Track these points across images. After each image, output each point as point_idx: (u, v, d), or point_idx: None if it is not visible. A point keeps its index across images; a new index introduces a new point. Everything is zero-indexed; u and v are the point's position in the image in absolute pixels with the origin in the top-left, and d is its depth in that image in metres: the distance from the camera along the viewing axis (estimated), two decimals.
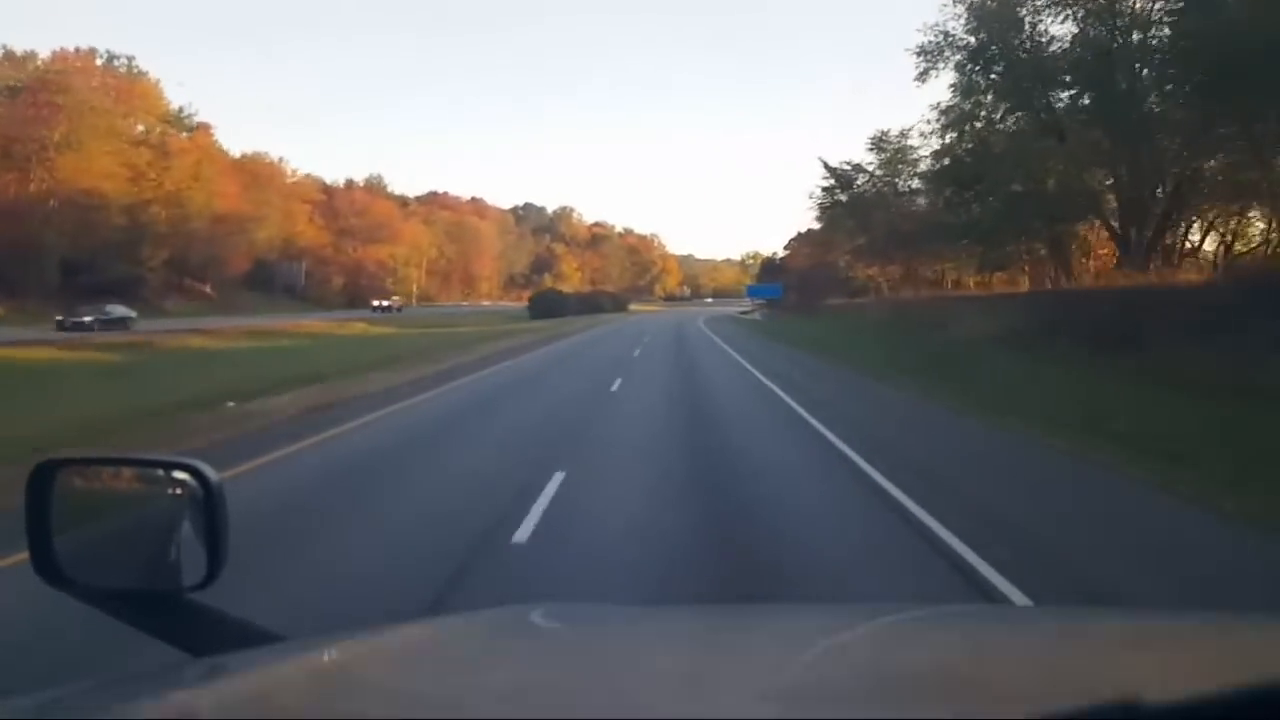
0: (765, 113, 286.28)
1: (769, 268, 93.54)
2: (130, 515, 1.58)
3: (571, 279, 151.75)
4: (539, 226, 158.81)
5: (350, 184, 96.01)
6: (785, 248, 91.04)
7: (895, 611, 1.78)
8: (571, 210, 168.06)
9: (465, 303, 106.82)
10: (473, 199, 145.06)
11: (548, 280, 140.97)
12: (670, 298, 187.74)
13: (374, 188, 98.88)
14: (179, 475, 1.46)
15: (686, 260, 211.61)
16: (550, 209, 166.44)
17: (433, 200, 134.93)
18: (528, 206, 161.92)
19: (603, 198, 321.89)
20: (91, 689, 1.20)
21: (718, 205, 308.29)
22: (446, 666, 1.28)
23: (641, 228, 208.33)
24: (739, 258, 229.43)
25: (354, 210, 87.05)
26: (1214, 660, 1.25)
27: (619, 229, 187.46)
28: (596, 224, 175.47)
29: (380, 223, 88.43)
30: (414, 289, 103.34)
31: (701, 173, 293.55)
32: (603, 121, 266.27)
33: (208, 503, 1.40)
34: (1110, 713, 0.76)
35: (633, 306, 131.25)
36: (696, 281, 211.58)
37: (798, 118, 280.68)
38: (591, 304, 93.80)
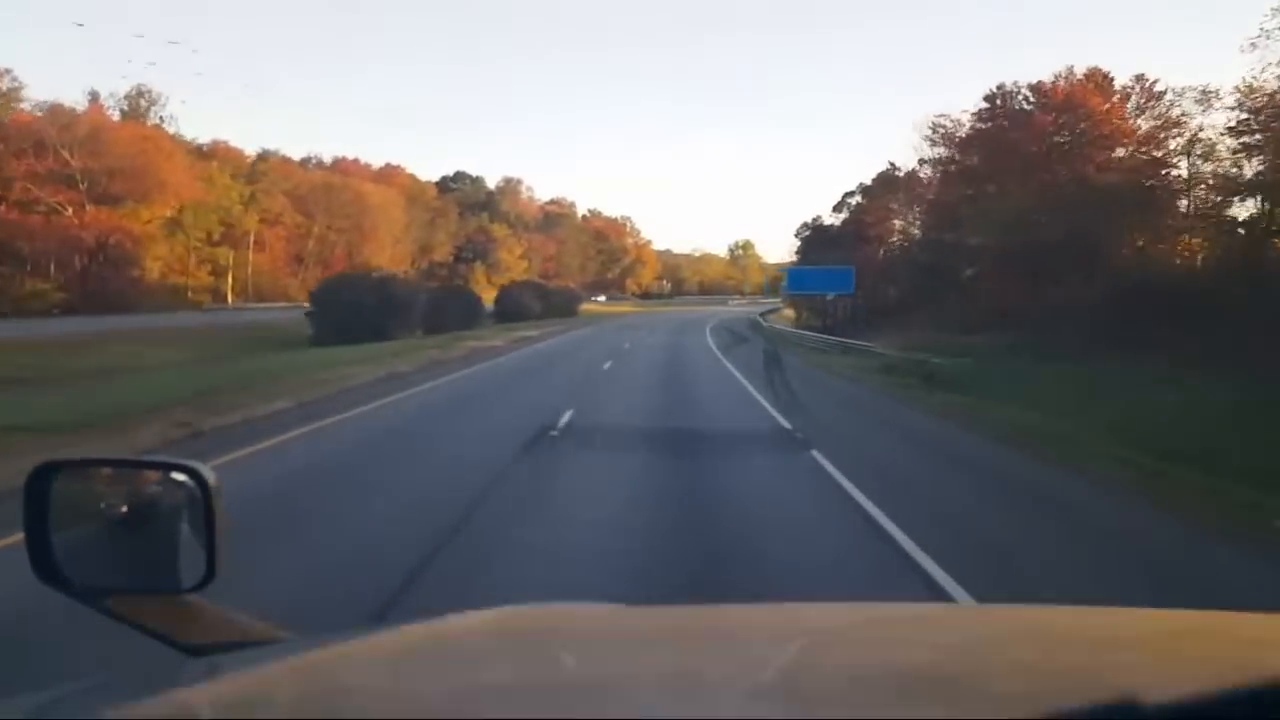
0: (756, 100, 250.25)
1: (818, 240, 55.86)
2: (129, 516, 1.57)
3: (513, 269, 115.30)
4: (474, 203, 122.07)
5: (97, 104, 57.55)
6: (837, 209, 54.86)
7: (891, 610, 1.78)
8: (519, 183, 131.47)
9: (285, 302, 68.88)
10: (387, 165, 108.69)
11: (478, 271, 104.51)
12: (646, 295, 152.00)
13: (134, 113, 59.74)
14: (177, 476, 1.48)
15: (665, 256, 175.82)
16: (492, 181, 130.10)
17: (339, 167, 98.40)
18: (460, 176, 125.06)
19: (564, 178, 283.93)
20: (91, 689, 1.22)
21: (699, 196, 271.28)
22: (446, 666, 1.28)
23: (611, 211, 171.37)
24: (724, 252, 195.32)
25: (81, 144, 49.46)
26: (1214, 658, 1.24)
27: (583, 211, 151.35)
28: (552, 202, 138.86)
29: (134, 167, 50.74)
30: (231, 280, 66.06)
31: (681, 160, 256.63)
32: (569, 96, 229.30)
33: (205, 504, 1.42)
34: (1109, 712, 0.75)
35: (591, 305, 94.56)
36: (678, 275, 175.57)
37: (792, 109, 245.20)
38: (510, 306, 56.44)
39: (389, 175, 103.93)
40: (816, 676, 1.18)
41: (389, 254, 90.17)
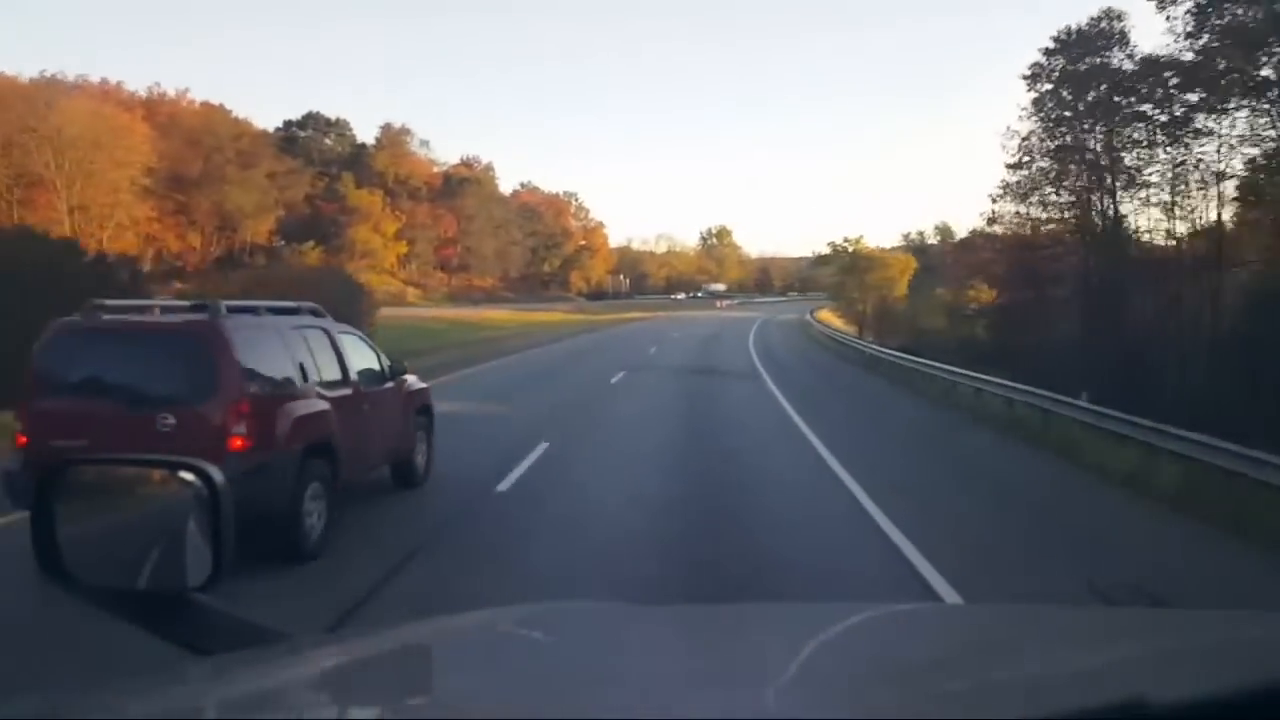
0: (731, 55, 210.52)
1: None
2: (136, 515, 1.60)
3: (382, 255, 74.66)
4: (332, 157, 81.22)
5: None
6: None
7: (899, 612, 1.76)
8: (405, 134, 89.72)
9: None
10: (190, 95, 67.29)
11: (307, 254, 63.49)
12: (598, 294, 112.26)
13: None
14: (184, 475, 1.48)
15: (624, 252, 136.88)
16: (368, 131, 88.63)
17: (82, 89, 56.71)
18: (311, 120, 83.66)
19: (493, 151, 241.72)
20: (95, 689, 1.23)
21: (666, 177, 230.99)
22: (447, 666, 1.30)
23: (551, 185, 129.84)
24: (694, 242, 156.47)
25: None
26: (1219, 658, 1.24)
27: (514, 186, 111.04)
28: (463, 163, 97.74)
29: None
30: None
31: (642, 134, 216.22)
32: (496, 50, 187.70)
33: (212, 502, 1.42)
34: (1116, 711, 0.76)
35: (414, 313, 53.61)
36: (639, 269, 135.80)
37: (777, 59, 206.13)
38: None
39: (154, 105, 62.30)
40: (822, 677, 1.17)
41: (96, 214, 48.97)
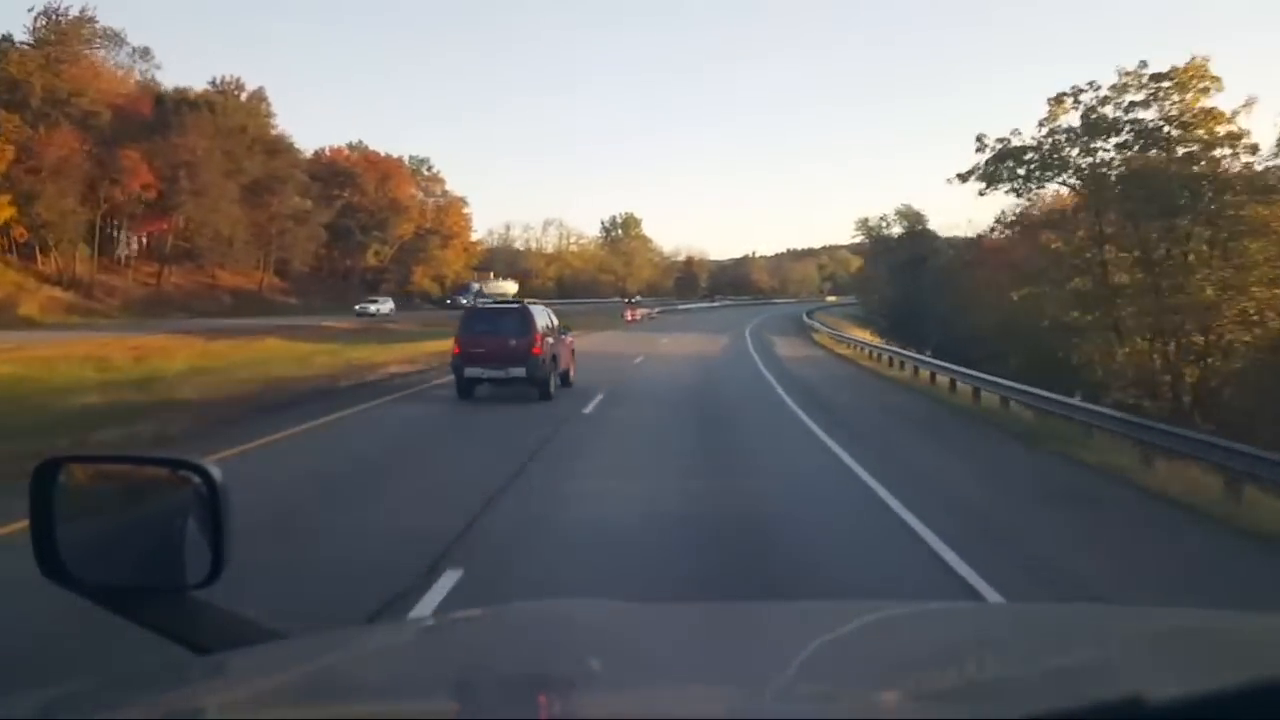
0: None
1: None
2: (134, 513, 1.58)
3: None
4: None
5: None
6: None
7: (898, 610, 1.78)
8: (91, 28, 52.81)
9: None
10: None
11: None
12: (453, 297, 76.17)
13: None
14: (183, 473, 1.48)
15: (504, 251, 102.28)
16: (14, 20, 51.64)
17: None
18: None
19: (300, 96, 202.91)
20: (96, 687, 1.24)
21: (549, 159, 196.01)
22: (448, 665, 1.30)
23: (399, 150, 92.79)
24: (595, 234, 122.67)
25: None
26: (1216, 658, 1.25)
27: (338, 144, 75.25)
28: (216, 88, 60.93)
29: None
30: None
31: (516, 100, 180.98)
32: None
33: (211, 501, 1.41)
34: (1113, 711, 0.76)
35: None
36: (518, 265, 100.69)
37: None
38: None
39: None
40: (824, 676, 1.17)
41: None
